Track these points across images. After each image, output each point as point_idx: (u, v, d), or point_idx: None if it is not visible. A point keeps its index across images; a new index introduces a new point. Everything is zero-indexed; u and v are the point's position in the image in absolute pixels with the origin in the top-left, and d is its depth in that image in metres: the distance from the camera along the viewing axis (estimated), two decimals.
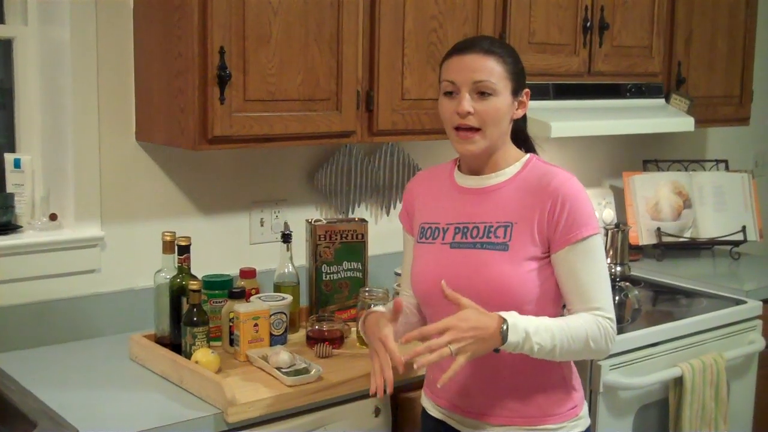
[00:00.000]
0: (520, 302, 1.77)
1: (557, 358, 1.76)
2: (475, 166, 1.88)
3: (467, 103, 1.78)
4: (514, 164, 1.87)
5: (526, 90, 1.88)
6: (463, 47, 1.83)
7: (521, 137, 1.94)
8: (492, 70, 1.79)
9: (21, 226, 2.30)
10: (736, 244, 3.45)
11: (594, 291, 1.78)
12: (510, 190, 1.84)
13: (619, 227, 3.06)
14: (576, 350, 1.76)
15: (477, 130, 1.80)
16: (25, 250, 2.23)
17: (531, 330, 1.69)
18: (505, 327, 1.67)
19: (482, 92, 1.78)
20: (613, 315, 1.80)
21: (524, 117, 1.94)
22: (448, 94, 1.82)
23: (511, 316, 1.70)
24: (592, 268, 1.78)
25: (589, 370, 2.40)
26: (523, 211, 1.80)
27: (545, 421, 1.84)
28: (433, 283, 1.82)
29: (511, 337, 1.67)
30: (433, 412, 1.95)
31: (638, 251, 3.40)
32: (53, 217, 2.33)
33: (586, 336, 1.75)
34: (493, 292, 1.77)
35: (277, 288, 2.42)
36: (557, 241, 1.78)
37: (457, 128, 1.81)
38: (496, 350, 1.70)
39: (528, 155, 1.90)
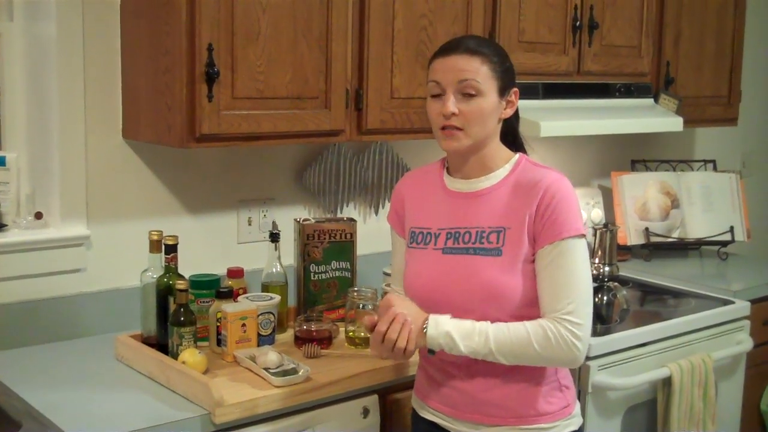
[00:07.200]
0: (514, 307, 1.76)
1: (505, 362, 1.74)
2: (462, 164, 1.86)
3: (452, 104, 1.77)
4: (503, 166, 1.85)
5: (515, 89, 1.86)
6: (447, 48, 1.82)
7: (511, 137, 1.92)
8: (477, 70, 1.77)
9: (6, 225, 2.28)
10: (724, 244, 3.46)
11: (566, 292, 1.72)
12: (501, 194, 1.82)
13: (608, 227, 3.06)
14: (522, 354, 1.73)
15: (461, 129, 1.79)
16: (10, 249, 2.21)
17: (456, 333, 1.71)
18: (425, 323, 1.72)
19: (467, 92, 1.77)
20: (582, 320, 1.72)
21: (517, 116, 1.93)
22: (435, 95, 1.81)
23: (438, 316, 1.74)
24: (568, 269, 1.73)
25: (577, 370, 2.39)
26: (515, 215, 1.79)
27: (538, 420, 1.83)
28: (427, 289, 1.83)
29: (431, 331, 1.72)
30: (424, 413, 1.94)
31: (626, 251, 3.40)
32: (39, 215, 2.30)
33: (528, 339, 1.71)
34: (488, 298, 1.76)
35: (265, 288, 2.40)
36: (541, 239, 1.76)
37: (443, 128, 1.80)
38: (431, 352, 1.74)
39: (517, 155, 1.88)
